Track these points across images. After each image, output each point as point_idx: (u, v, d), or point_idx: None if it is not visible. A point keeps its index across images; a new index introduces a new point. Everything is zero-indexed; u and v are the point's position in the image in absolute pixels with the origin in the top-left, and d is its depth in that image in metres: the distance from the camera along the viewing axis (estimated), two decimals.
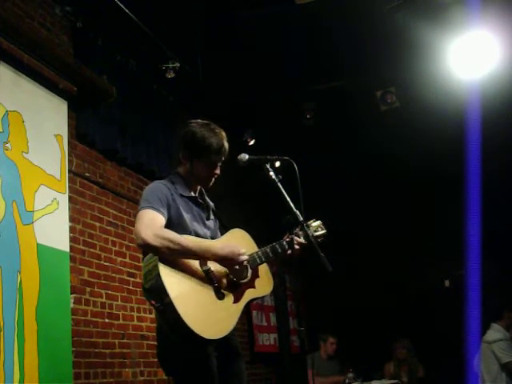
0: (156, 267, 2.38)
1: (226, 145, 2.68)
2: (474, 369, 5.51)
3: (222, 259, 2.51)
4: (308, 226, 2.81)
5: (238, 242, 2.63)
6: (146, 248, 2.44)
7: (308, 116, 6.42)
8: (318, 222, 2.91)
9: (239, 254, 2.53)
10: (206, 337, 2.35)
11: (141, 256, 4.90)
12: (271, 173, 2.65)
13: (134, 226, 4.97)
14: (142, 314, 4.82)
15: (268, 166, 2.66)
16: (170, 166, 5.41)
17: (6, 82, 3.76)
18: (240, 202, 6.73)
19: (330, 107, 6.39)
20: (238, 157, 2.67)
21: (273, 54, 5.60)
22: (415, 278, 7.92)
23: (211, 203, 2.82)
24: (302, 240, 2.70)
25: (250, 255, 2.64)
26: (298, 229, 2.72)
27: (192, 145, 2.65)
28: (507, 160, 6.75)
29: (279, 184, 2.64)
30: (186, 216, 2.60)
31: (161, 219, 2.48)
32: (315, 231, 2.86)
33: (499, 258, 6.76)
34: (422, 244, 7.87)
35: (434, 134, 6.35)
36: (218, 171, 2.70)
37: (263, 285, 2.71)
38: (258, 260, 2.65)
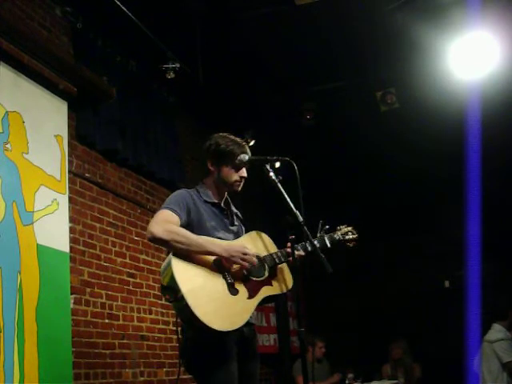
0: (170, 263, 2.47)
1: (247, 149, 2.79)
2: (474, 369, 5.50)
3: (227, 252, 2.57)
4: (337, 230, 2.95)
5: (255, 243, 2.72)
6: (154, 241, 2.54)
7: (308, 116, 6.43)
8: (350, 228, 3.01)
9: (244, 248, 2.61)
10: (217, 328, 2.41)
11: (141, 257, 4.94)
12: (271, 173, 2.69)
13: (133, 227, 5.03)
14: (142, 315, 4.82)
15: (268, 166, 2.71)
16: (170, 167, 5.40)
17: (6, 83, 3.76)
18: (240, 203, 6.71)
19: (330, 107, 6.39)
20: (239, 157, 2.74)
21: (273, 54, 5.60)
22: (415, 278, 7.93)
23: (235, 210, 2.92)
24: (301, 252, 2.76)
25: (269, 255, 2.72)
26: (322, 232, 2.86)
27: (217, 152, 2.77)
28: (507, 160, 6.75)
29: (279, 184, 2.67)
30: (208, 220, 2.69)
31: (174, 218, 2.58)
32: (343, 235, 2.95)
33: (499, 258, 6.76)
34: (422, 244, 7.87)
35: (434, 134, 6.34)
36: (244, 174, 2.79)
37: (280, 283, 2.78)
38: (276, 260, 2.72)
